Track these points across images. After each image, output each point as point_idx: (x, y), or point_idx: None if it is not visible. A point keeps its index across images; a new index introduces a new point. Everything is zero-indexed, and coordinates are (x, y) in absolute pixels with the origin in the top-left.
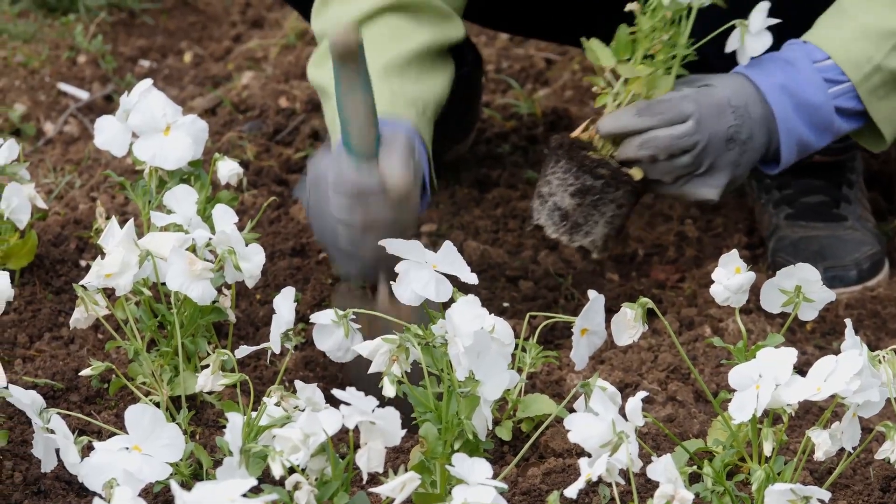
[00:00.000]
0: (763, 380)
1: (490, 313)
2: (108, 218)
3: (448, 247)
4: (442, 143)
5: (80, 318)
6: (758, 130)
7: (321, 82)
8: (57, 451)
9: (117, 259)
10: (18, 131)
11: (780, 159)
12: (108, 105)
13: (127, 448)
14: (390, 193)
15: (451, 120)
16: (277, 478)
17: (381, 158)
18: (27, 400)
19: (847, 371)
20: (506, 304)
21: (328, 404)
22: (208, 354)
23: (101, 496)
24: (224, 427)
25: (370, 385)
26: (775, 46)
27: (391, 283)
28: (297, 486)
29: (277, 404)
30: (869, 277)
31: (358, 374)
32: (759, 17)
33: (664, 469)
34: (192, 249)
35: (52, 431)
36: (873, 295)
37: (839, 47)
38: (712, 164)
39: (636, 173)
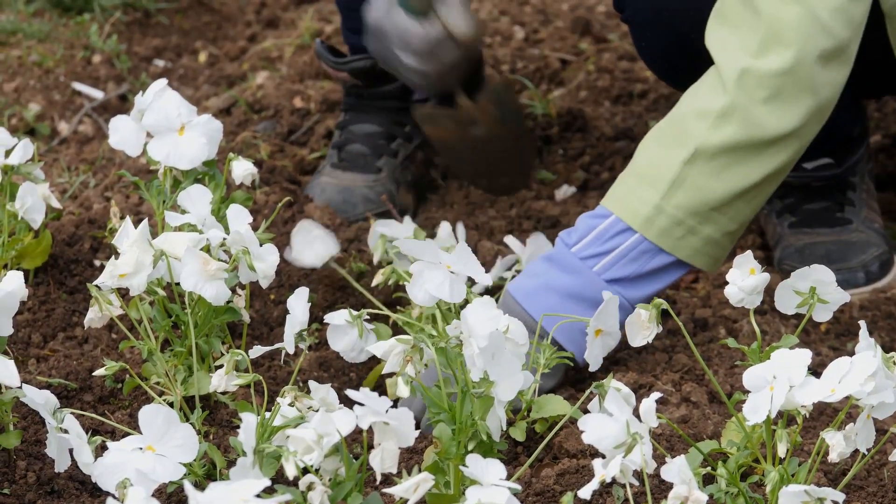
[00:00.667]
0: (777, 381)
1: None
2: (122, 218)
3: (462, 247)
4: None
5: (94, 317)
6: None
7: None
8: (70, 450)
9: (131, 259)
10: (33, 131)
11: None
12: (122, 105)
13: (140, 448)
14: (459, 39)
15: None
16: (291, 478)
17: (441, 11)
18: (41, 400)
19: (861, 372)
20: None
21: (342, 405)
22: (222, 354)
23: (114, 496)
24: (238, 427)
25: None
26: None
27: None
28: (310, 487)
29: (291, 405)
30: (877, 279)
31: None
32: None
33: (678, 470)
34: (207, 249)
35: (66, 431)
36: (887, 296)
37: (617, 202)
38: None
39: None
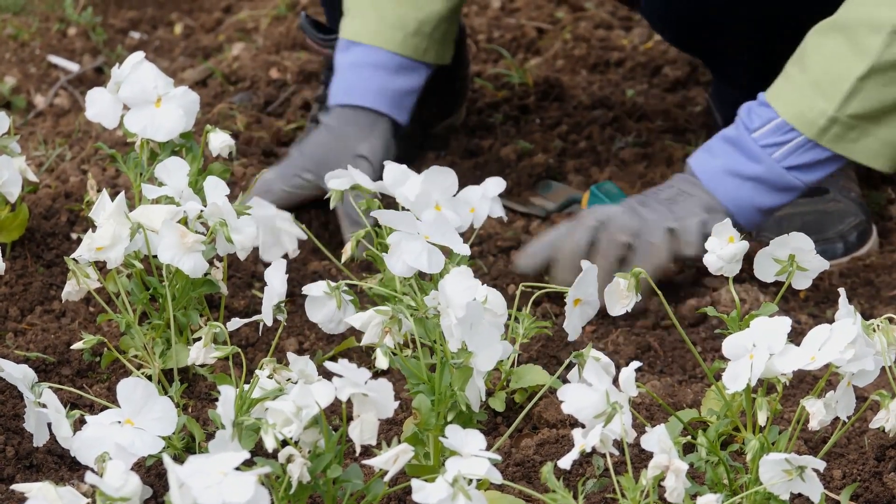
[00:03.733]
0: (757, 349)
1: (482, 284)
2: (99, 191)
3: (440, 217)
4: (433, 114)
5: (71, 291)
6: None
7: None
8: (49, 425)
9: (108, 232)
10: (9, 104)
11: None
12: (98, 77)
13: (119, 422)
14: None
15: (438, 92)
16: (270, 451)
17: None
18: (19, 374)
19: (841, 340)
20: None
21: (321, 376)
22: (200, 327)
23: (93, 470)
24: (216, 400)
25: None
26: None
27: None
28: (289, 459)
29: (270, 377)
30: (856, 248)
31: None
32: None
33: (658, 439)
34: (184, 222)
35: (44, 405)
36: (866, 263)
37: (790, 106)
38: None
39: None
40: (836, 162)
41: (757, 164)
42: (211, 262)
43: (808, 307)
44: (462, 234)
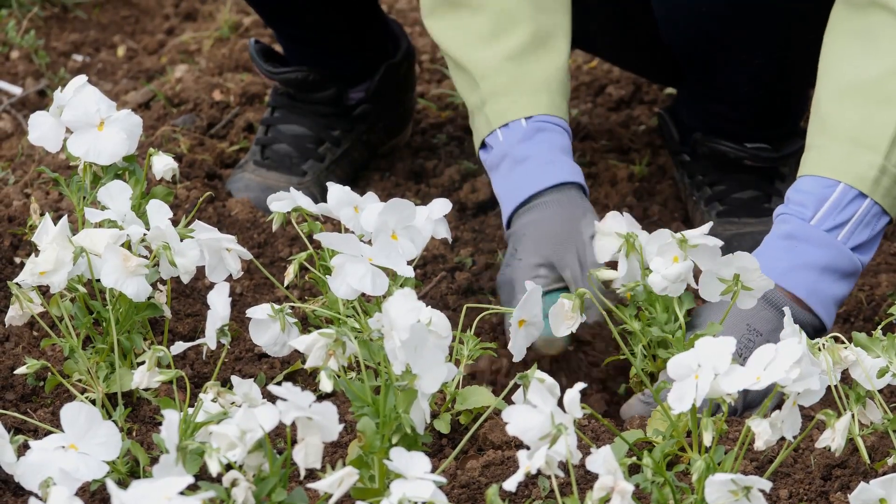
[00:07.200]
0: (702, 369)
1: (427, 305)
2: (41, 214)
3: (384, 239)
4: (379, 136)
5: (14, 315)
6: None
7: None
8: None
9: (51, 256)
10: None
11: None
12: (41, 100)
13: (63, 447)
14: None
15: (386, 113)
16: (214, 475)
17: None
18: None
19: (787, 359)
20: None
21: (265, 400)
22: (144, 351)
23: (37, 496)
24: (160, 424)
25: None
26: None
27: None
28: (234, 483)
29: (214, 400)
30: None
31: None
32: None
33: (603, 460)
34: (127, 245)
35: None
36: None
37: (838, 169)
38: None
39: None
40: (877, 240)
41: (826, 249)
42: (154, 286)
43: None
44: None
